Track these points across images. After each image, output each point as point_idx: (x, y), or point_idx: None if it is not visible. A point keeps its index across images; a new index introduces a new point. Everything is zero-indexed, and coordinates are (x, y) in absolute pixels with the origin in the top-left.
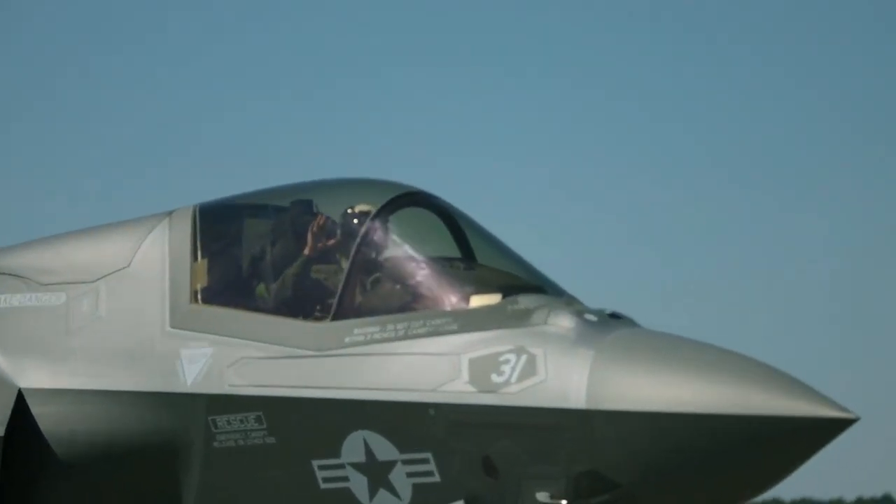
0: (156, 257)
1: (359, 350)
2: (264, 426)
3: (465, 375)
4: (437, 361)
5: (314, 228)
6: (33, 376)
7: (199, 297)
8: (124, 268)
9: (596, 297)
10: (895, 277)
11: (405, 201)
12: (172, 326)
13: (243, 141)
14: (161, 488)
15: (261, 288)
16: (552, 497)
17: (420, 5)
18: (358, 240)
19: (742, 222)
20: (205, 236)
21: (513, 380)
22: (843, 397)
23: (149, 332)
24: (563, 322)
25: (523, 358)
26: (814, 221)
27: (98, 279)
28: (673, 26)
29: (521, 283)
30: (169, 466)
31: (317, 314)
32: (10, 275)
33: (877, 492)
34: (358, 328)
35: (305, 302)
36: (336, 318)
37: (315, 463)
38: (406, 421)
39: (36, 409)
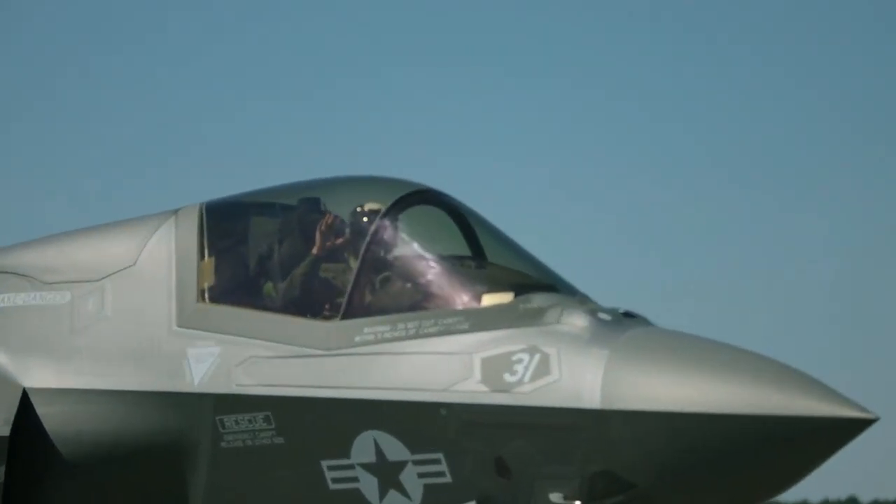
0: (162, 256)
1: (369, 349)
2: (273, 426)
3: (478, 375)
4: (448, 361)
5: (323, 227)
6: (38, 376)
7: (207, 295)
8: (130, 266)
9: (596, 297)
10: (895, 277)
11: (415, 199)
12: (179, 325)
13: (243, 141)
14: (167, 489)
15: (269, 287)
16: (566, 498)
17: (420, 5)
18: (368, 238)
19: (742, 222)
20: (212, 235)
21: (526, 379)
22: None
23: (155, 331)
24: (577, 321)
25: (536, 357)
26: (814, 221)
27: (103, 278)
28: (673, 26)
29: (533, 282)
30: (175, 467)
31: (326, 313)
32: (13, 273)
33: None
34: (368, 327)
35: (314, 301)
36: (346, 317)
37: (324, 463)
38: (417, 421)
39: (41, 408)
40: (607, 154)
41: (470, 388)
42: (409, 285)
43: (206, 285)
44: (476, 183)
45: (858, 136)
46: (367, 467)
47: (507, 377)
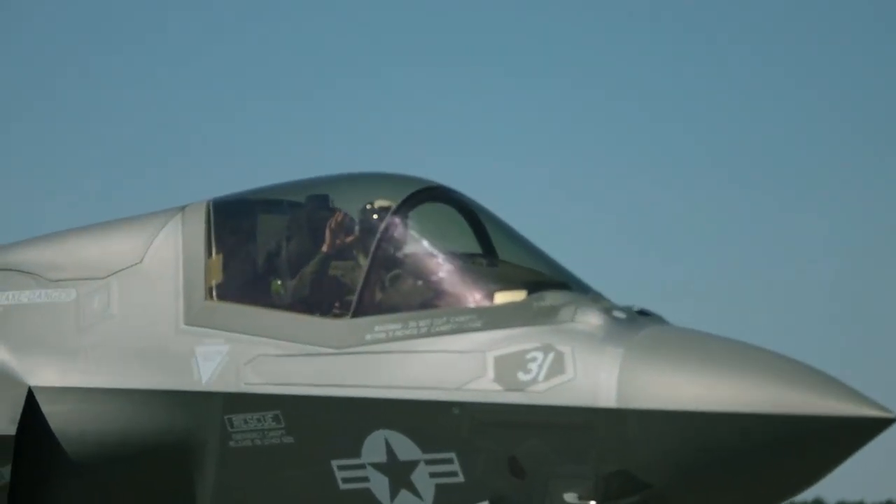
0: (169, 253)
1: (380, 347)
2: (282, 425)
3: (491, 373)
4: (461, 359)
5: (332, 224)
6: (43, 374)
7: (214, 293)
8: (136, 264)
9: None
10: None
11: (425, 196)
12: (187, 323)
13: (243, 141)
14: (174, 489)
15: (278, 284)
16: (581, 498)
17: (420, 5)
18: (378, 235)
19: (742, 222)
20: (219, 232)
21: (540, 378)
22: None
23: (162, 329)
24: (591, 319)
25: (551, 356)
26: (814, 221)
27: (109, 275)
28: (673, 26)
29: (545, 280)
30: (183, 467)
31: (336, 311)
32: (17, 271)
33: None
34: (379, 325)
35: (324, 299)
36: (356, 314)
37: (334, 463)
38: (429, 420)
39: (46, 407)
40: (607, 154)
41: (483, 386)
42: (420, 283)
43: (213, 283)
44: (476, 183)
45: (858, 136)
46: (377, 467)
47: (521, 376)
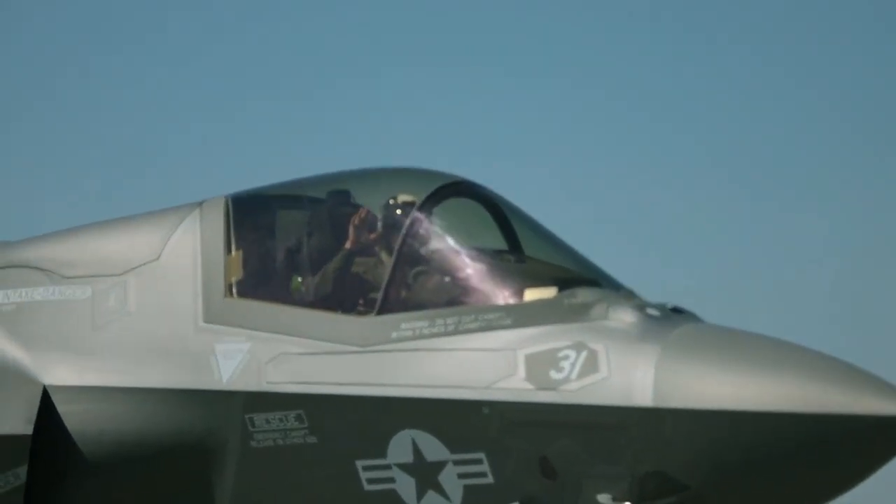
0: (187, 249)
1: (406, 345)
2: (305, 425)
3: (522, 372)
4: (490, 357)
5: (356, 221)
6: (58, 373)
7: (234, 290)
8: (153, 260)
9: None
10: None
11: (450, 191)
12: (206, 321)
13: (243, 141)
14: (193, 490)
15: (299, 281)
16: (615, 499)
17: (420, 5)
18: (403, 231)
19: (742, 222)
20: (239, 228)
21: (573, 376)
22: None
23: (181, 326)
24: (625, 317)
25: (583, 354)
26: (814, 222)
27: (126, 272)
28: (673, 26)
29: (575, 276)
30: (202, 467)
31: (360, 308)
32: (30, 267)
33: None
34: (405, 323)
35: (348, 296)
36: (381, 312)
37: (359, 463)
38: (458, 420)
39: (62, 406)
40: (607, 154)
41: (514, 385)
42: (447, 280)
43: (233, 279)
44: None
45: (858, 137)
46: (404, 467)
47: (553, 374)
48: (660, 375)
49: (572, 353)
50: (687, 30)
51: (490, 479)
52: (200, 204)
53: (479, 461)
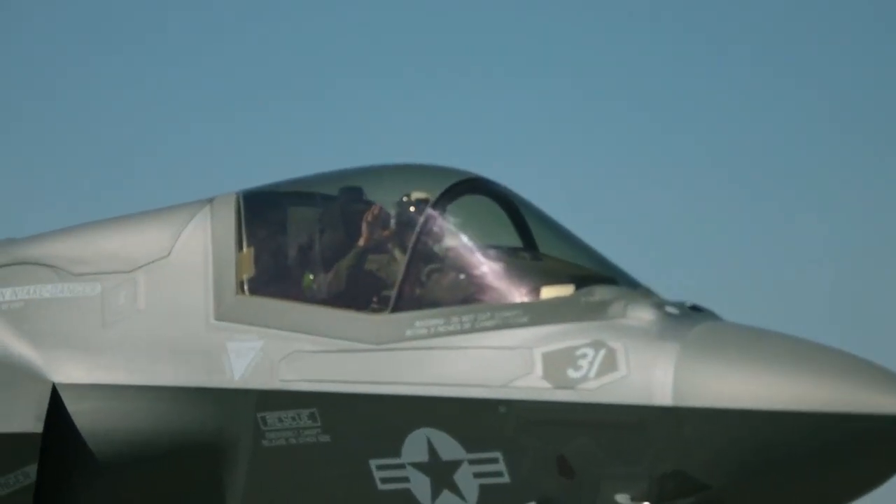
0: (198, 246)
1: (421, 343)
2: (318, 423)
3: (539, 370)
4: (507, 356)
5: (369, 218)
6: (67, 371)
7: (246, 287)
8: (164, 257)
9: None
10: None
11: (464, 188)
12: (217, 318)
13: (242, 141)
14: (204, 489)
15: (312, 278)
16: (634, 499)
17: (420, 5)
18: (418, 228)
19: (742, 223)
20: (250, 224)
21: (591, 375)
22: None
23: (192, 324)
24: (644, 314)
25: (602, 352)
26: (814, 223)
27: (135, 269)
28: (673, 26)
29: (592, 274)
30: (213, 466)
31: (374, 306)
32: (38, 264)
33: None
34: (420, 321)
35: (361, 293)
36: (396, 310)
37: (373, 462)
38: (474, 418)
39: (71, 404)
40: (607, 154)
41: (531, 384)
42: (462, 277)
43: (245, 277)
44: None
45: (859, 138)
46: (418, 467)
47: (571, 373)
48: (680, 374)
49: (590, 352)
50: (687, 30)
51: (506, 479)
52: (211, 200)
53: (495, 460)
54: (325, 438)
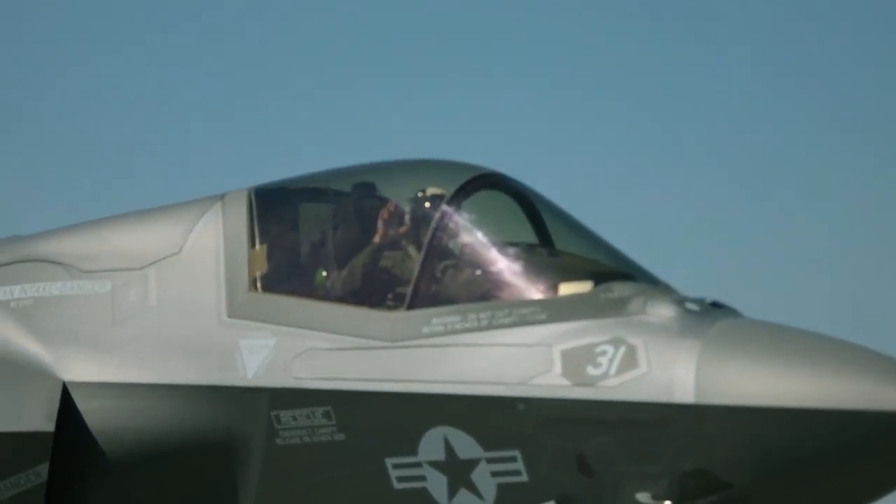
0: (209, 243)
1: (438, 341)
2: (333, 422)
3: (558, 368)
4: (525, 353)
5: (385, 215)
6: (78, 369)
7: (259, 284)
8: (175, 254)
9: None
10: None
11: (480, 183)
12: (230, 316)
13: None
14: (217, 488)
15: (326, 275)
16: (654, 497)
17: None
18: (434, 224)
19: (742, 223)
20: (262, 221)
21: (611, 372)
22: None
23: (204, 321)
24: (664, 311)
25: (622, 349)
26: (814, 224)
27: (146, 266)
28: (673, 27)
29: (611, 270)
30: (226, 465)
31: (389, 303)
32: (47, 262)
33: None
34: (436, 318)
35: (376, 290)
36: (412, 307)
37: (389, 461)
38: (492, 416)
39: (82, 403)
40: (607, 154)
41: (550, 381)
42: (479, 274)
43: (257, 273)
44: None
45: (859, 138)
46: (435, 465)
47: (591, 370)
48: (702, 371)
49: (610, 349)
50: (687, 30)
51: (525, 478)
52: (222, 197)
53: (513, 459)
54: (340, 437)
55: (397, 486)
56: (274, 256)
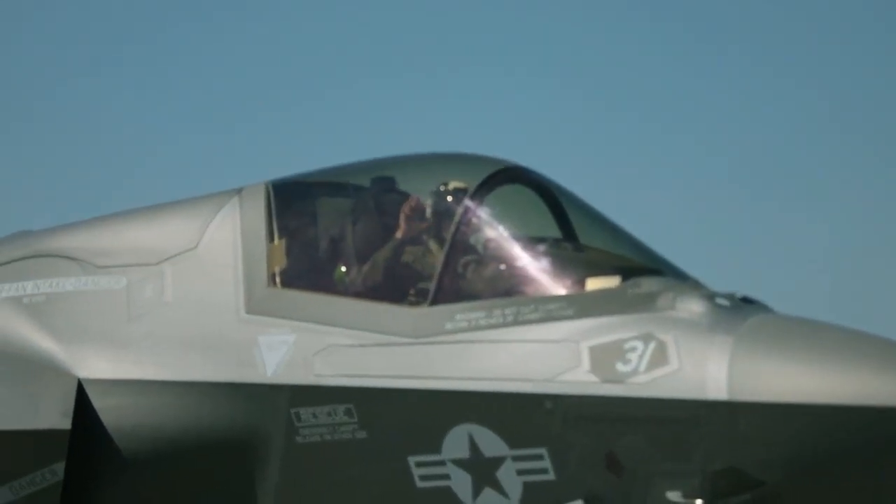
0: (227, 237)
1: (462, 337)
2: (355, 419)
3: (586, 364)
4: (552, 349)
5: (407, 209)
6: (93, 366)
7: (278, 280)
8: (191, 249)
9: None
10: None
11: (504, 177)
12: (248, 311)
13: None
14: (235, 488)
15: (346, 271)
16: (685, 496)
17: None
18: (457, 219)
19: (742, 223)
20: (281, 215)
21: (641, 369)
22: None
23: (222, 318)
24: (693, 306)
25: (652, 345)
26: (814, 224)
27: (162, 261)
28: (673, 27)
29: (638, 265)
30: (244, 463)
31: (412, 299)
32: (60, 257)
33: None
34: (460, 313)
35: (399, 286)
36: (435, 302)
37: (411, 459)
38: (518, 414)
39: (97, 400)
40: (607, 154)
41: (578, 378)
42: (504, 269)
43: (276, 269)
44: None
45: (859, 138)
46: (459, 463)
47: (620, 367)
48: (734, 368)
49: (640, 345)
50: (687, 30)
51: (551, 476)
52: (239, 191)
53: (539, 457)
54: (362, 435)
55: (420, 484)
56: (293, 251)
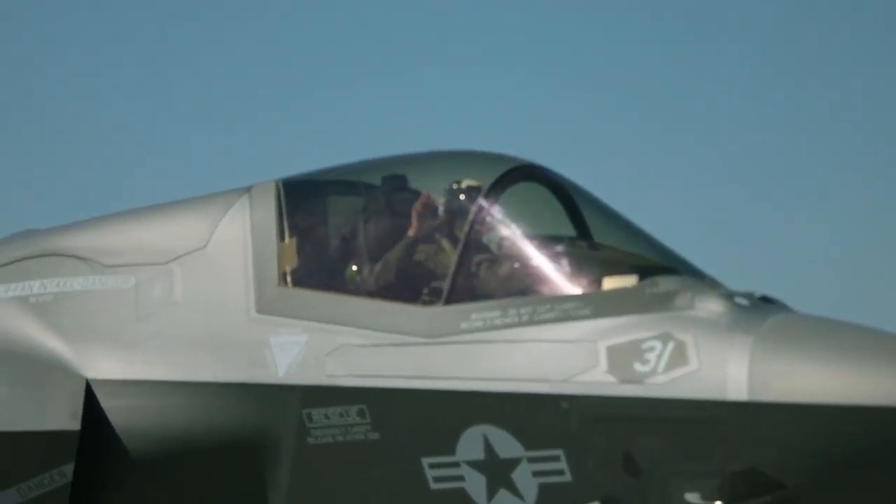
0: (237, 236)
1: (477, 336)
2: (367, 420)
3: (604, 364)
4: (569, 349)
5: (419, 207)
6: (101, 366)
7: (289, 279)
8: (201, 248)
9: None
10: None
11: (518, 175)
12: (259, 311)
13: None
14: (246, 489)
15: (359, 269)
16: (704, 498)
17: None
18: (471, 217)
19: (742, 223)
20: (292, 213)
21: (659, 369)
22: None
23: (231, 317)
24: (712, 306)
25: (670, 345)
26: (814, 224)
27: (171, 261)
28: (673, 27)
29: (655, 264)
30: (255, 465)
31: (425, 298)
32: (67, 256)
33: None
34: (475, 313)
35: (412, 285)
36: (449, 302)
37: (425, 461)
38: (534, 415)
39: (106, 401)
40: (607, 154)
41: (595, 378)
42: (519, 268)
43: (287, 268)
44: None
45: (859, 138)
46: (474, 465)
47: (638, 367)
48: (755, 368)
49: (658, 345)
50: (687, 30)
51: (568, 478)
52: (249, 189)
53: (556, 458)
54: (375, 436)
55: (434, 486)
56: (304, 250)
